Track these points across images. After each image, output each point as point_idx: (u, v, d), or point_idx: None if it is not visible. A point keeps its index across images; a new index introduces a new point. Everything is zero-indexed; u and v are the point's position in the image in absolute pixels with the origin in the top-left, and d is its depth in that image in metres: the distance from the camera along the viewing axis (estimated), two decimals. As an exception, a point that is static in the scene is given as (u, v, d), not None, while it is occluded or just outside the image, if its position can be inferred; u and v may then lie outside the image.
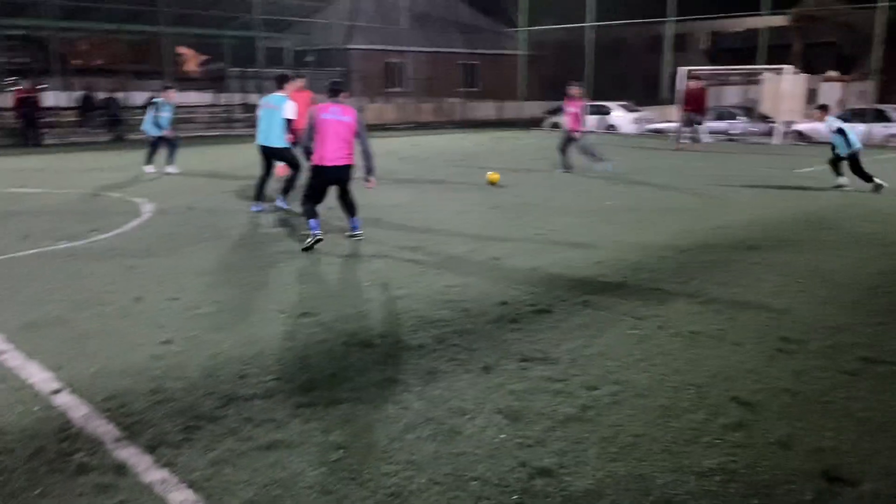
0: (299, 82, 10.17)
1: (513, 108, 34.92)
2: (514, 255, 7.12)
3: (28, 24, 23.89)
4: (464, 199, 10.81)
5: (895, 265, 6.83)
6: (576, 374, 4.18)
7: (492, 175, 12.33)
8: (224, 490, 2.97)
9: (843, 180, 12.03)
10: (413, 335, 4.82)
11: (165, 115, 13.52)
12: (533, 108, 34.81)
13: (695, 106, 20.32)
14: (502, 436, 3.43)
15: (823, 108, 12.69)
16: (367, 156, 7.39)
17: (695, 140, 20.48)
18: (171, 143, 13.78)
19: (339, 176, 7.35)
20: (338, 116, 7.13)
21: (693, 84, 20.64)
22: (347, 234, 7.85)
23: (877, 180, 11.61)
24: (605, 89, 30.74)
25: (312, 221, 7.26)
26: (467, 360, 4.38)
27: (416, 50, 35.28)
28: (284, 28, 31.01)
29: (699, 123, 20.79)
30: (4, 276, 6.27)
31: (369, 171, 7.51)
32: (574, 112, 14.37)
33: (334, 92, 7.24)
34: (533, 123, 31.59)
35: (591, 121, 28.13)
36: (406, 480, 3.06)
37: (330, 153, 7.14)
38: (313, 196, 7.32)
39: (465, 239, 7.89)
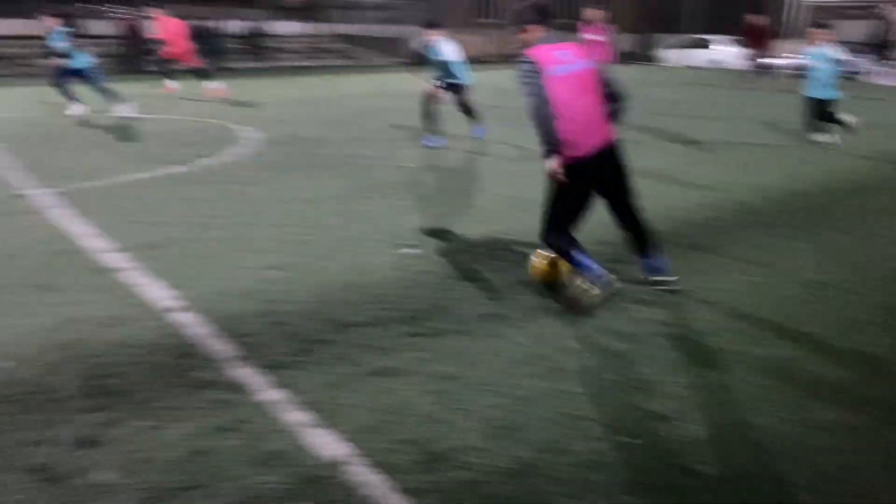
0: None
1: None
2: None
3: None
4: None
5: None
6: (688, 318, 4.03)
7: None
8: (337, 413, 3.04)
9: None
10: (517, 270, 4.75)
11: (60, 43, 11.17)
12: (625, 43, 33.22)
13: (755, 44, 19.17)
14: (610, 377, 3.36)
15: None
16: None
17: (767, 76, 19.34)
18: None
19: (607, 166, 4.08)
20: (573, 64, 3.97)
21: (755, 20, 19.19)
22: (649, 278, 4.44)
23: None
24: (704, 23, 29.02)
25: (584, 259, 4.05)
26: (572, 299, 4.29)
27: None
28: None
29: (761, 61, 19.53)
30: (121, 199, 6.55)
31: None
32: (599, 40, 11.72)
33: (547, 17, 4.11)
34: (625, 58, 30.26)
35: (694, 55, 26.86)
36: (514, 414, 3.05)
37: (582, 132, 3.93)
38: (569, 215, 4.08)
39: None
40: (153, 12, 14.90)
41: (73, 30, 11.45)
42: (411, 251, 5.14)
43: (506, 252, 5.14)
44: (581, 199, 4.05)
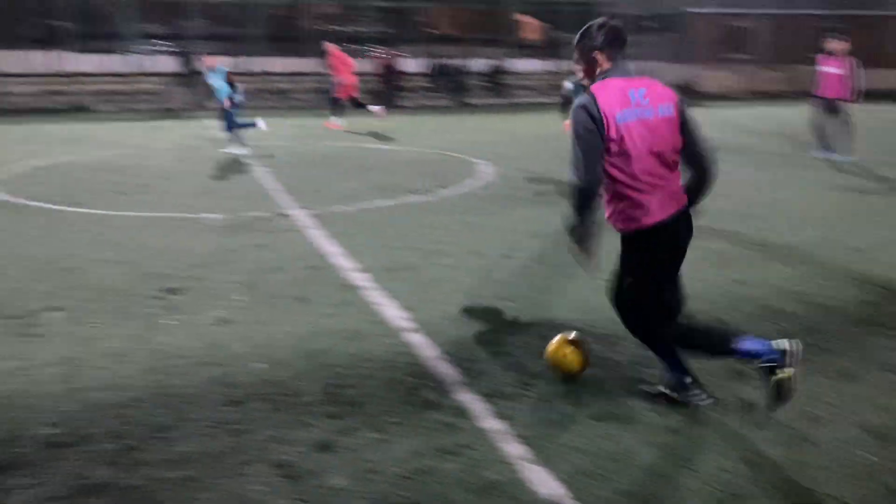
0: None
1: (880, 77, 30.28)
2: (879, 249, 6.16)
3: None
4: (817, 181, 9.64)
5: None
6: (963, 398, 3.48)
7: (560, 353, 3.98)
8: (557, 452, 3.01)
9: None
10: (753, 325, 4.41)
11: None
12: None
13: None
14: (866, 455, 2.98)
15: None
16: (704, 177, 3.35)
17: None
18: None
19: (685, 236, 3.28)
20: (646, 110, 3.10)
21: None
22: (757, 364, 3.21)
23: None
24: None
25: (675, 367, 3.40)
26: (821, 363, 3.88)
27: (765, 12, 32.22)
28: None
29: None
30: (365, 223, 7.10)
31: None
32: (837, 73, 10.97)
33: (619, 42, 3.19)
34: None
35: None
36: (745, 480, 2.81)
37: (657, 195, 3.15)
38: (659, 300, 3.30)
39: (817, 224, 7.04)
40: (330, 47, 15.51)
41: (225, 70, 12.17)
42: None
43: (742, 302, 4.80)
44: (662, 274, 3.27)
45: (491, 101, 24.85)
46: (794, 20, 32.79)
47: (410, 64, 26.48)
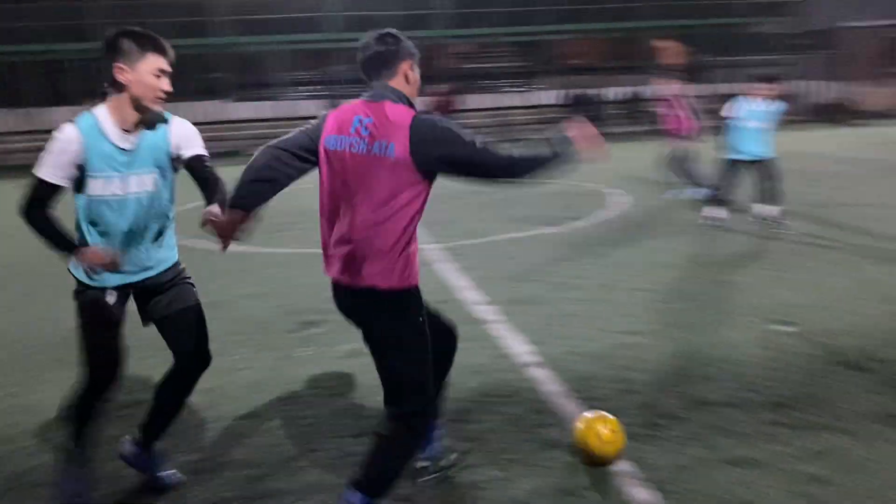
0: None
1: None
2: None
3: (530, 30, 26.79)
4: None
5: None
6: None
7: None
8: (687, 498, 2.84)
9: None
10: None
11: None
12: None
13: None
14: None
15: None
16: None
17: None
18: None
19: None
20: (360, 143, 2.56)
21: None
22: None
23: None
24: None
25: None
26: None
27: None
28: (771, 11, 29.02)
29: None
30: (495, 255, 7.11)
31: None
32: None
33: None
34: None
35: None
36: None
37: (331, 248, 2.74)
38: None
39: None
40: None
41: None
42: (785, 328, 4.65)
43: (907, 340, 4.35)
44: None
45: (628, 129, 24.36)
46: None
47: (548, 96, 26.52)
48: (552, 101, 26.33)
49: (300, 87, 26.15)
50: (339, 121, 2.59)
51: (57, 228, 2.67)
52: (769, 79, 7.81)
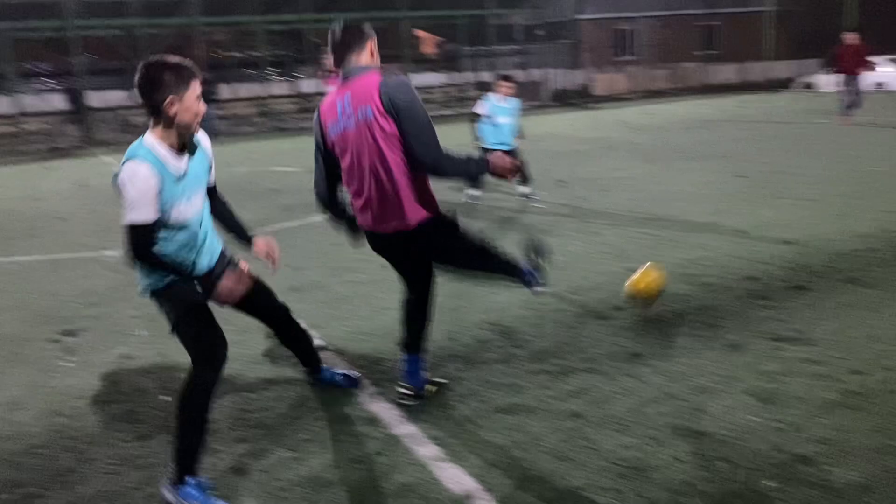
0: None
1: (757, 70, 32.23)
2: (761, 228, 6.57)
3: (286, 19, 26.39)
4: (703, 169, 10.18)
5: None
6: (839, 356, 3.76)
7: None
8: (467, 448, 3.09)
9: None
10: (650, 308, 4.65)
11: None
12: (779, 69, 31.89)
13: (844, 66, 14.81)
14: (753, 418, 3.20)
15: None
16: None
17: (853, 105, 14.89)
18: None
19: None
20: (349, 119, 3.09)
21: (850, 38, 14.88)
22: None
23: None
24: (874, 44, 27.11)
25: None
26: (710, 337, 4.14)
27: (648, 14, 33.73)
28: (516, 4, 31.25)
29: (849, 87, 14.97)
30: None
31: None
32: None
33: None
34: (781, 85, 28.95)
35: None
36: (646, 454, 2.97)
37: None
38: None
39: (705, 210, 7.43)
40: None
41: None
42: (542, 289, 5.16)
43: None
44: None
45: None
46: (676, 20, 34.44)
47: (315, 85, 26.35)
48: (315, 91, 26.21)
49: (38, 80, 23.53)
50: (328, 112, 3.11)
51: (169, 260, 2.83)
52: (507, 77, 8.58)
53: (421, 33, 35.37)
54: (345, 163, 3.13)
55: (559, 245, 6.46)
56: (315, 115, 3.19)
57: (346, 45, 3.07)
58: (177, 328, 2.95)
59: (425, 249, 3.29)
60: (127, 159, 2.70)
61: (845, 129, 14.04)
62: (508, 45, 30.86)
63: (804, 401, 3.32)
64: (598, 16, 33.63)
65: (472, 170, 3.11)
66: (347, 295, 5.38)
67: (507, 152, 8.12)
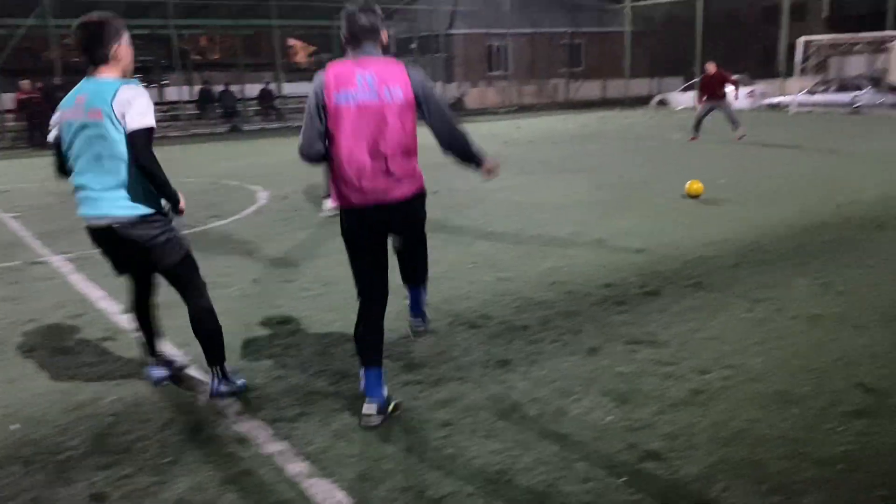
0: None
1: (618, 87, 34.11)
2: (619, 237, 6.98)
3: (151, 23, 25.31)
4: (567, 181, 10.68)
5: None
6: (686, 357, 4.07)
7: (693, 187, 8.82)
8: (337, 462, 3.10)
9: None
10: (517, 317, 4.84)
11: None
12: (638, 86, 33.90)
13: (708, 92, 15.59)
14: (609, 418, 3.40)
15: None
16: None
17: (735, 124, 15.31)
18: None
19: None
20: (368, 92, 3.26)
21: (711, 68, 15.63)
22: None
23: None
24: (718, 64, 29.44)
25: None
26: (572, 342, 4.36)
27: (517, 32, 34.93)
28: (389, 16, 31.47)
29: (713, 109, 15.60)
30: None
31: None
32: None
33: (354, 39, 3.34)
34: (640, 102, 30.76)
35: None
36: (512, 459, 3.09)
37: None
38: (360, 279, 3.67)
39: (569, 221, 7.80)
40: None
41: None
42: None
43: (507, 297, 5.22)
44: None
45: (264, 125, 24.52)
46: (543, 38, 35.88)
47: (179, 92, 25.39)
48: (184, 98, 25.30)
49: None
50: (340, 78, 3.24)
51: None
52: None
53: (294, 42, 34.89)
54: (348, 129, 3.23)
55: (431, 256, 6.58)
56: (318, 78, 3.29)
57: (369, 29, 3.31)
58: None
59: (411, 220, 3.58)
60: (116, 87, 3.29)
61: (694, 144, 15.14)
62: (384, 56, 30.99)
63: (655, 400, 3.57)
64: (470, 31, 34.50)
65: (475, 157, 3.62)
66: (220, 310, 5.21)
67: None
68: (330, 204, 8.68)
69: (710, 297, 5.11)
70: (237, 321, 4.96)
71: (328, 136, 3.30)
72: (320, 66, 31.65)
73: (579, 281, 5.60)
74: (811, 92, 24.10)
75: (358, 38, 3.31)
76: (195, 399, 3.81)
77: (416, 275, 4.06)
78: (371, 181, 3.29)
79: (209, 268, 6.25)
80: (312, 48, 34.76)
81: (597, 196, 9.39)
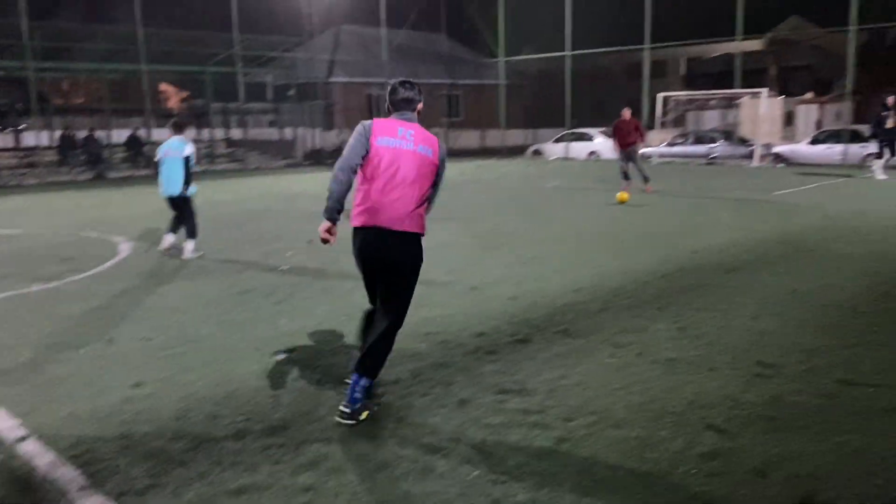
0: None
1: (496, 137, 35.18)
2: (492, 285, 7.10)
3: (8, 65, 23.88)
4: (444, 229, 10.79)
5: (871, 286, 6.86)
6: (553, 405, 4.13)
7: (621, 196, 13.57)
8: (190, 538, 2.90)
9: None
10: (389, 370, 4.73)
11: None
12: (515, 137, 35.14)
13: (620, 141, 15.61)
14: (475, 472, 3.38)
15: None
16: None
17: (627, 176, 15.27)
18: None
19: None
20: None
21: (626, 114, 15.77)
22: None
23: None
24: (587, 116, 31.10)
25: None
26: (443, 395, 4.33)
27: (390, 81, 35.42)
28: (266, 63, 31.22)
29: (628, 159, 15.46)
30: (-24, 321, 6.16)
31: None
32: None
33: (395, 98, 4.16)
34: (516, 151, 31.85)
35: (575, 148, 28.54)
36: (377, 521, 2.99)
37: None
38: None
39: (444, 269, 7.85)
40: None
41: None
42: (283, 356, 5.07)
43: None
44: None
45: (132, 172, 23.51)
46: (422, 88, 36.55)
47: (38, 137, 23.92)
48: (43, 143, 23.88)
49: None
50: (385, 129, 4.00)
51: None
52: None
53: (166, 87, 33.87)
54: (386, 169, 3.94)
55: (304, 308, 6.45)
56: (367, 123, 4.01)
57: (409, 99, 4.14)
58: None
59: (406, 259, 4.08)
60: None
61: (566, 192, 15.77)
62: (261, 102, 30.65)
63: (521, 451, 3.58)
64: (350, 79, 34.71)
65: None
66: (64, 375, 4.84)
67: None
68: (190, 246, 8.88)
69: (576, 344, 5.24)
70: (88, 385, 4.61)
71: (362, 170, 3.98)
72: (195, 112, 30.71)
73: (453, 330, 5.61)
74: (671, 144, 25.79)
75: (399, 106, 4.14)
76: (35, 475, 3.47)
77: (371, 359, 4.08)
78: (389, 209, 3.93)
79: (62, 328, 5.85)
80: (185, 93, 33.82)
81: (471, 244, 9.54)
